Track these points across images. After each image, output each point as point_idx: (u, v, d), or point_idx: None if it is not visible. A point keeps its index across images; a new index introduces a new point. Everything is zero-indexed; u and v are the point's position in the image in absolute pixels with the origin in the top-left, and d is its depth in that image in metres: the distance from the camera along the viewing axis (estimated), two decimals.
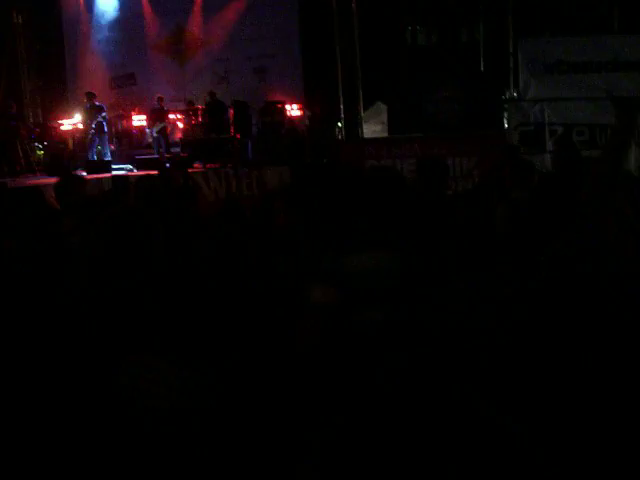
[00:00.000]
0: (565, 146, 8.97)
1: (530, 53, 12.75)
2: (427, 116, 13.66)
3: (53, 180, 12.74)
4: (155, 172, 12.54)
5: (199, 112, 15.75)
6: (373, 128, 15.29)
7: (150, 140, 16.10)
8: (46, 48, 17.83)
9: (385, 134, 14.46)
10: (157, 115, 15.87)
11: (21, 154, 14.96)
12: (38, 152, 16.12)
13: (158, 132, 15.73)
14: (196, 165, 14.33)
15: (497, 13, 14.86)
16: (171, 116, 16.39)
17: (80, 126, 16.12)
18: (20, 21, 17.60)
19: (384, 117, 14.70)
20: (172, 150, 15.82)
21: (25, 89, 17.87)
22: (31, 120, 17.61)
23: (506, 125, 13.42)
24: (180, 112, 16.47)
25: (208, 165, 14.27)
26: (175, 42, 17.69)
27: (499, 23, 14.73)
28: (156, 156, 15.36)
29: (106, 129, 15.44)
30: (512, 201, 4.84)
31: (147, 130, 16.32)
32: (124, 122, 17.02)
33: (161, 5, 17.44)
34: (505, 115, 13.58)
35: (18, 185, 11.56)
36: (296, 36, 16.78)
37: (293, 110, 16.35)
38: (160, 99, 16.03)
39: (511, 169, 5.27)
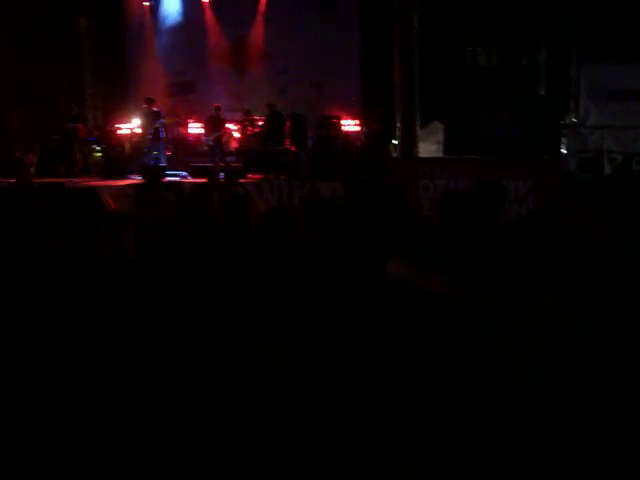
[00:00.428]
0: (624, 175, 8.80)
1: (592, 79, 12.60)
2: (484, 138, 13.53)
3: (109, 182, 13.01)
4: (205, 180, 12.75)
5: (256, 123, 15.84)
6: (429, 147, 15.19)
7: (205, 148, 16.22)
8: (109, 52, 18.10)
9: (440, 154, 14.36)
10: (214, 124, 15.99)
11: (79, 156, 15.21)
12: (96, 154, 16.36)
13: (214, 141, 15.85)
14: (250, 175, 14.38)
15: (560, 37, 14.69)
16: (228, 125, 16.51)
17: (138, 130, 16.33)
18: (85, 25, 17.90)
19: (440, 136, 14.60)
20: (227, 159, 15.92)
21: (87, 92, 18.16)
22: (91, 123, 17.88)
23: (564, 151, 13.21)
24: (237, 122, 16.57)
25: (261, 176, 14.31)
26: (236, 52, 17.84)
27: (562, 47, 14.55)
28: (210, 164, 15.45)
29: (163, 135, 15.62)
30: (566, 229, 4.71)
31: (203, 138, 16.44)
32: (181, 129, 17.18)
33: (224, 14, 17.63)
34: (564, 141, 13.37)
35: (75, 186, 11.72)
36: (356, 51, 16.80)
37: (349, 125, 16.34)
38: (218, 108, 16.14)
39: (567, 195, 5.15)
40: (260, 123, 15.90)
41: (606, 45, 13.63)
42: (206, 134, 16.29)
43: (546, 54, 15.38)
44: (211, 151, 15.92)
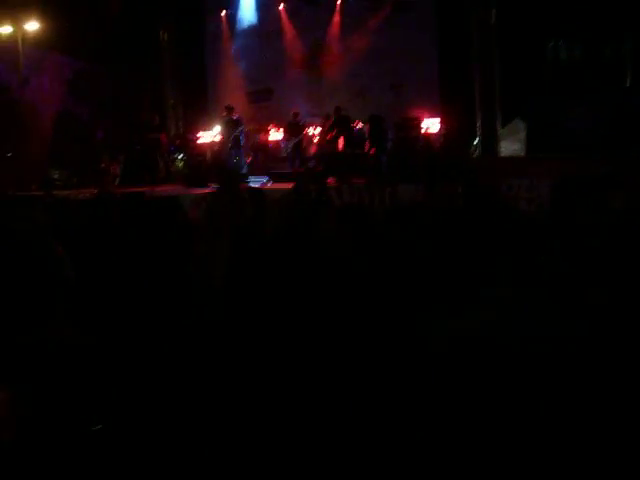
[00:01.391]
0: None
1: None
2: (568, 135, 13.19)
3: (192, 191, 13.18)
4: (288, 185, 12.78)
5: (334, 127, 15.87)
6: (511, 146, 14.92)
7: (285, 154, 16.31)
8: (189, 63, 18.41)
9: (522, 153, 14.08)
10: (293, 130, 16.06)
11: (161, 165, 15.49)
12: (178, 163, 16.63)
13: (293, 146, 15.92)
14: (330, 179, 14.37)
15: None
16: (307, 131, 16.56)
17: (218, 138, 16.53)
18: (165, 38, 18.27)
19: (522, 135, 14.32)
20: (308, 164, 15.97)
21: (168, 102, 18.51)
22: (173, 132, 18.20)
23: None
24: (316, 126, 16.62)
25: (342, 179, 14.27)
26: (313, 57, 17.92)
27: None
28: (291, 170, 15.52)
29: (243, 142, 15.77)
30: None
31: (282, 144, 16.54)
32: (261, 136, 17.33)
33: (300, 20, 17.75)
34: None
35: (157, 195, 11.91)
36: (433, 51, 16.67)
37: (429, 126, 16.19)
38: (296, 114, 16.21)
39: None
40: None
41: None
42: (285, 140, 16.38)
43: (631, 43, 14.92)
44: (290, 157, 15.99)
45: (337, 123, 15.65)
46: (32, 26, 15.29)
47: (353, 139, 15.56)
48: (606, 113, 13.16)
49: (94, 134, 16.52)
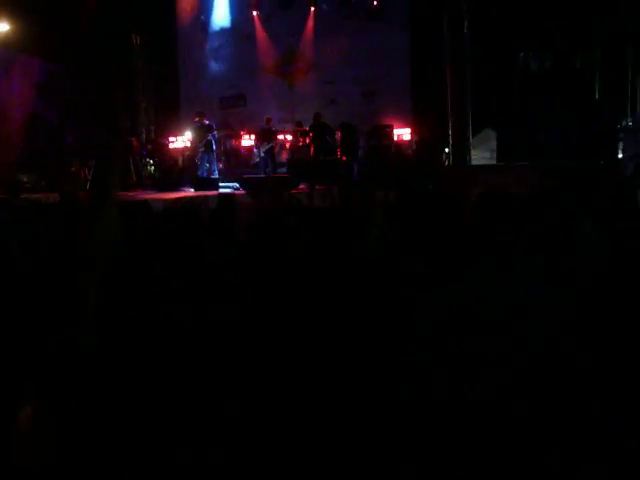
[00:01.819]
0: None
1: None
2: (538, 144, 13.32)
3: (162, 195, 13.12)
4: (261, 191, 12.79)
5: (306, 134, 15.90)
6: (482, 154, 15.03)
7: (257, 160, 16.30)
8: (161, 68, 18.34)
9: (494, 161, 14.18)
10: (265, 135, 16.05)
11: (133, 169, 15.39)
12: (149, 168, 16.55)
13: (265, 152, 15.91)
14: (301, 186, 14.37)
15: (614, 37, 14.40)
16: (279, 137, 16.57)
17: (190, 144, 16.48)
18: (138, 41, 18.18)
19: (493, 144, 14.43)
20: (279, 170, 15.97)
21: (140, 106, 18.42)
22: (144, 136, 18.11)
23: (620, 155, 12.91)
24: (288, 133, 16.63)
25: (312, 186, 14.27)
26: (286, 63, 17.93)
27: (617, 48, 14.27)
28: (263, 175, 15.50)
29: (215, 147, 15.73)
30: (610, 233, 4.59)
31: (255, 150, 16.52)
32: (233, 141, 17.30)
33: (273, 27, 17.73)
34: (620, 145, 13.07)
35: (128, 199, 11.83)
36: (406, 60, 16.75)
37: (402, 134, 16.28)
38: (268, 120, 16.20)
39: (613, 201, 5.02)
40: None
41: None
42: (257, 146, 16.37)
43: (600, 56, 15.11)
44: (263, 162, 15.98)
45: (315, 129, 15.66)
46: (1, 27, 15.15)
47: (325, 147, 15.60)
48: (575, 123, 13.30)
49: (64, 138, 16.38)
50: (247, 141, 17.37)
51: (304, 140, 15.88)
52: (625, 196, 5.74)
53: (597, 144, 12.90)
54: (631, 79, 13.39)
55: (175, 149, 17.09)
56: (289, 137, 16.54)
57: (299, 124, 16.26)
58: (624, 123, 13.68)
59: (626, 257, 3.94)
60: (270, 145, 15.94)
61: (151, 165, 16.59)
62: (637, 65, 13.09)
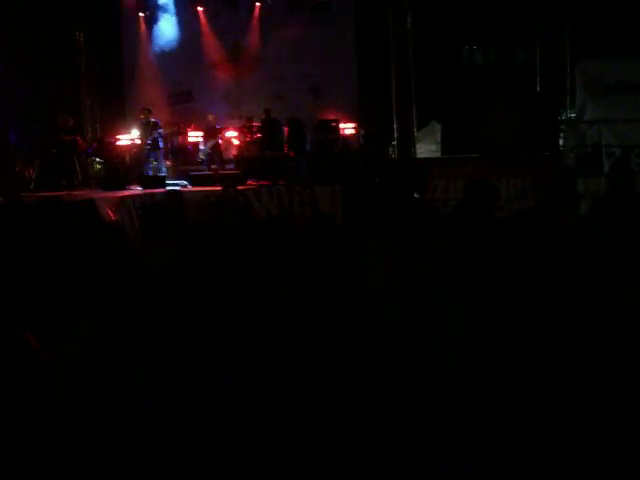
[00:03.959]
0: (620, 170, 8.75)
1: (588, 74, 12.50)
2: (482, 136, 13.52)
3: (109, 194, 13.03)
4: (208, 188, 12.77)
5: (254, 129, 15.90)
6: (427, 147, 15.20)
7: (202, 157, 16.23)
8: (106, 65, 18.14)
9: (438, 154, 14.35)
10: (210, 132, 16.00)
11: (79, 168, 15.22)
12: (97, 166, 16.37)
13: (210, 149, 15.85)
14: (249, 182, 14.37)
15: (555, 33, 14.69)
16: (227, 134, 16.53)
17: (137, 141, 16.36)
18: (81, 39, 17.95)
19: (439, 136, 14.60)
20: (227, 167, 15.92)
21: (85, 104, 18.21)
22: (89, 135, 17.91)
23: (562, 147, 13.16)
24: (235, 129, 16.61)
25: (261, 182, 14.29)
26: (232, 59, 17.89)
27: (557, 43, 14.55)
28: (210, 172, 15.46)
29: (162, 145, 15.65)
30: (560, 224, 4.72)
31: (200, 147, 16.45)
32: (180, 138, 17.21)
33: (219, 23, 17.67)
34: (561, 136, 13.33)
35: (73, 199, 11.74)
36: (352, 55, 16.85)
37: (347, 129, 16.38)
38: (214, 117, 16.15)
39: (558, 192, 5.15)
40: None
41: (600, 40, 13.63)
42: (204, 143, 16.31)
43: (541, 50, 15.40)
44: (208, 159, 15.92)
45: (266, 126, 15.69)
46: None
47: (275, 143, 15.65)
48: (518, 116, 13.53)
49: (7, 137, 16.12)
50: (195, 138, 17.29)
51: (252, 136, 15.89)
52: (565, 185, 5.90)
53: (539, 136, 13.13)
54: (570, 72, 13.65)
55: (122, 147, 16.92)
56: (235, 133, 16.51)
57: (249, 119, 16.26)
58: (565, 115, 13.96)
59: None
60: (215, 142, 15.90)
61: (97, 163, 16.41)
62: (575, 58, 13.35)
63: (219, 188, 12.41)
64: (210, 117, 16.16)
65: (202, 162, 16.27)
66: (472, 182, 5.29)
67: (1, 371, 2.40)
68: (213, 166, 15.70)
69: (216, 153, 15.89)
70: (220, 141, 16.20)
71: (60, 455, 2.35)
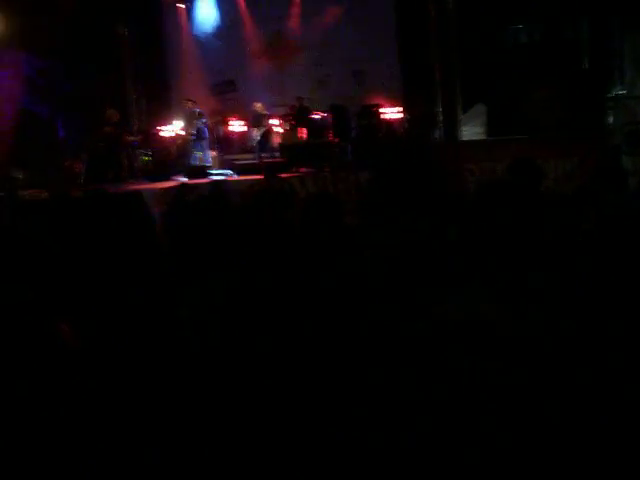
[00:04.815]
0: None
1: (636, 49, 12.23)
2: (528, 117, 13.30)
3: (156, 185, 13.14)
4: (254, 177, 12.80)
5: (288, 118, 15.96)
6: (473, 130, 15.00)
7: (254, 144, 16.19)
8: (149, 57, 18.28)
9: (484, 136, 14.18)
10: (258, 120, 16.00)
11: (125, 161, 15.39)
12: (144, 158, 16.53)
13: (261, 137, 15.83)
14: (302, 170, 14.30)
15: (601, 7, 14.35)
16: (271, 121, 16.53)
17: (181, 132, 16.46)
18: (125, 33, 18.12)
19: (483, 118, 14.42)
20: (275, 154, 15.91)
21: (130, 98, 18.39)
22: (136, 127, 18.08)
23: (610, 125, 12.89)
24: (279, 117, 16.60)
25: (306, 169, 14.24)
26: (274, 48, 17.89)
27: (604, 18, 14.22)
28: (255, 161, 15.47)
29: (206, 135, 15.72)
30: (604, 203, 4.63)
31: (253, 134, 16.34)
32: (224, 128, 17.28)
33: (260, 12, 17.67)
34: (610, 114, 13.05)
35: (119, 191, 11.86)
36: (393, 38, 16.70)
37: (391, 113, 16.26)
38: (261, 105, 16.15)
39: (603, 171, 5.05)
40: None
41: None
42: (251, 131, 16.29)
43: (588, 27, 15.05)
44: (258, 147, 15.90)
45: (298, 113, 15.69)
46: None
47: (316, 128, 15.62)
48: (564, 95, 13.28)
49: (55, 132, 16.37)
50: (239, 127, 17.35)
51: (293, 123, 15.89)
52: (610, 164, 5.81)
53: (586, 115, 12.87)
54: (618, 47, 13.34)
55: (167, 138, 17.05)
56: (277, 121, 16.50)
57: (293, 107, 16.27)
58: (613, 92, 13.65)
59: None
60: (264, 129, 15.88)
61: (144, 155, 16.57)
62: (623, 33, 13.04)
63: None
64: (258, 105, 16.11)
65: (253, 150, 16.28)
66: (516, 160, 5.21)
67: (30, 359, 2.43)
68: (263, 154, 15.69)
69: (267, 141, 15.85)
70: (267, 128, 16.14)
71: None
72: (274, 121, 16.54)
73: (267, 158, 15.44)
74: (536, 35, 16.83)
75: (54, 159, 15.44)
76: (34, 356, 2.43)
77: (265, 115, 16.02)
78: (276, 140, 16.43)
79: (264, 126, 15.86)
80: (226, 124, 17.16)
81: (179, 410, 2.51)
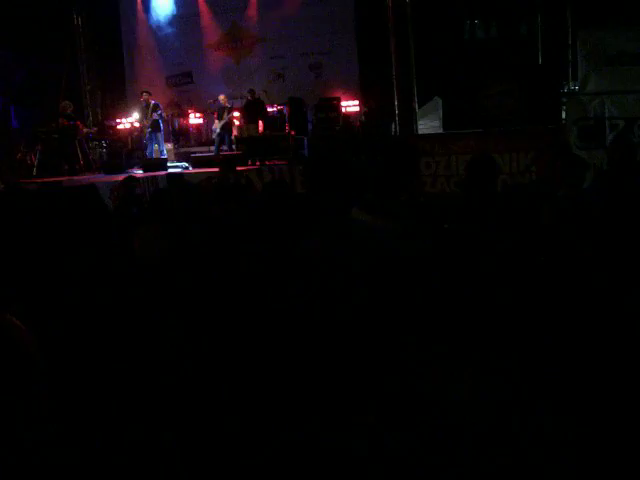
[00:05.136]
0: (620, 142, 8.68)
1: (590, 45, 12.34)
2: (483, 111, 13.40)
3: (111, 178, 13.00)
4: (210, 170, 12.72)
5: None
6: (430, 123, 15.08)
7: (214, 137, 16.02)
8: (105, 48, 18.09)
9: (440, 130, 14.25)
10: (221, 113, 15.85)
11: (80, 153, 15.20)
12: (98, 150, 16.37)
13: (221, 129, 15.69)
14: (250, 162, 14.28)
15: (556, 4, 14.53)
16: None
17: (137, 124, 16.31)
18: (79, 22, 17.88)
19: (440, 112, 14.49)
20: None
21: (85, 89, 18.16)
22: (90, 119, 17.88)
23: (564, 120, 13.04)
24: (236, 110, 16.48)
25: (262, 162, 14.21)
26: (231, 39, 17.78)
27: (558, 15, 14.40)
28: (211, 154, 15.36)
29: (162, 127, 15.58)
30: (560, 197, 4.70)
31: (213, 128, 16.13)
32: (181, 120, 17.16)
33: (217, 3, 17.56)
34: (564, 109, 13.21)
35: (74, 184, 11.72)
36: (352, 31, 16.70)
37: (349, 107, 16.28)
38: (224, 97, 15.96)
39: (561, 165, 5.13)
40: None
41: (602, 9, 13.47)
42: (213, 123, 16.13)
43: (542, 22, 15.24)
44: (218, 140, 15.75)
45: (250, 106, 15.61)
46: None
47: (272, 121, 15.59)
48: (520, 89, 13.40)
49: (8, 123, 16.11)
50: (195, 119, 17.24)
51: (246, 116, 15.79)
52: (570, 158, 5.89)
53: (541, 109, 13.01)
54: (572, 43, 13.50)
55: (122, 130, 16.90)
56: (236, 114, 16.37)
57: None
58: (566, 88, 13.83)
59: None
60: (225, 122, 15.73)
61: (99, 148, 16.39)
62: (577, 29, 13.20)
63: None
64: (221, 97, 15.90)
65: (206, 143, 16.15)
66: (473, 158, 5.27)
67: None
68: (223, 147, 15.58)
69: (227, 133, 15.70)
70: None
71: None
72: (236, 113, 16.41)
73: (226, 151, 15.36)
74: (492, 30, 17.00)
75: (6, 150, 15.20)
76: None
77: (227, 108, 15.86)
78: (232, 133, 16.34)
79: (224, 119, 15.71)
80: (182, 116, 17.04)
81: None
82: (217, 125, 15.74)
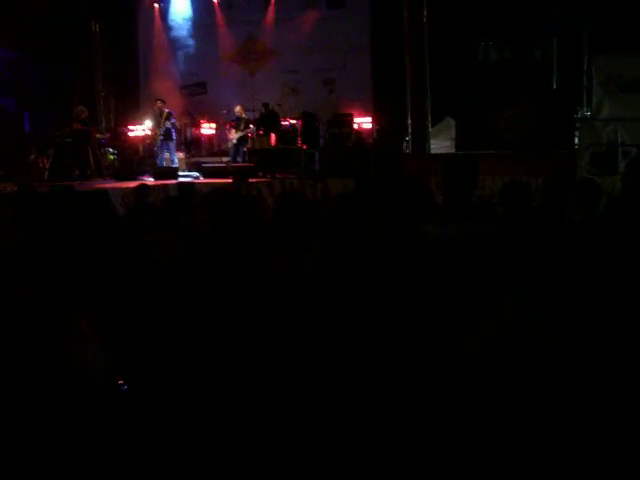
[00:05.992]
0: (634, 168, 8.67)
1: (605, 71, 12.39)
2: (496, 133, 13.42)
3: (121, 185, 13.03)
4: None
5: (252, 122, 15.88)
6: (441, 143, 15.10)
7: (229, 147, 16.04)
8: (121, 55, 18.17)
9: (452, 151, 14.27)
10: (239, 124, 15.85)
11: (92, 158, 15.23)
12: (110, 157, 16.41)
13: (237, 140, 15.70)
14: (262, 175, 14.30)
15: (572, 29, 14.56)
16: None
17: (149, 132, 16.36)
18: (97, 29, 17.98)
19: (453, 133, 14.51)
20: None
21: (99, 95, 18.24)
22: (103, 125, 17.94)
23: (577, 145, 13.04)
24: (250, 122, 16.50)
25: (273, 175, 14.23)
26: (246, 52, 17.87)
27: (574, 40, 14.42)
28: (222, 164, 15.41)
29: (174, 136, 15.61)
30: (574, 223, 4.68)
31: (230, 137, 16.12)
32: (193, 129, 17.21)
33: (234, 15, 17.67)
34: (577, 134, 13.21)
35: (86, 189, 11.75)
36: (367, 49, 16.77)
37: (363, 123, 16.33)
38: (240, 108, 15.97)
39: (575, 190, 5.12)
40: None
41: (618, 36, 13.49)
42: (230, 132, 16.13)
43: (558, 47, 15.27)
44: (234, 151, 15.79)
45: (265, 119, 15.66)
46: None
47: (284, 135, 15.63)
48: (533, 113, 13.42)
49: (22, 126, 16.17)
50: (208, 129, 17.29)
51: (261, 130, 15.80)
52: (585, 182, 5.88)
53: (554, 134, 13.01)
54: (586, 69, 13.53)
55: (135, 138, 16.95)
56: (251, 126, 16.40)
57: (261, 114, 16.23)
58: (580, 113, 13.83)
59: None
60: (243, 133, 15.74)
61: (111, 154, 16.44)
62: (592, 55, 13.23)
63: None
64: (237, 108, 15.95)
65: (218, 154, 16.17)
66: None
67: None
68: (237, 158, 15.60)
69: (242, 145, 15.71)
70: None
71: None
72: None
73: (240, 162, 15.38)
74: (506, 52, 17.05)
75: (20, 153, 15.24)
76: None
77: (244, 119, 15.86)
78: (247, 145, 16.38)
79: (242, 130, 15.70)
80: (195, 126, 17.09)
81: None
82: (234, 136, 15.76)
